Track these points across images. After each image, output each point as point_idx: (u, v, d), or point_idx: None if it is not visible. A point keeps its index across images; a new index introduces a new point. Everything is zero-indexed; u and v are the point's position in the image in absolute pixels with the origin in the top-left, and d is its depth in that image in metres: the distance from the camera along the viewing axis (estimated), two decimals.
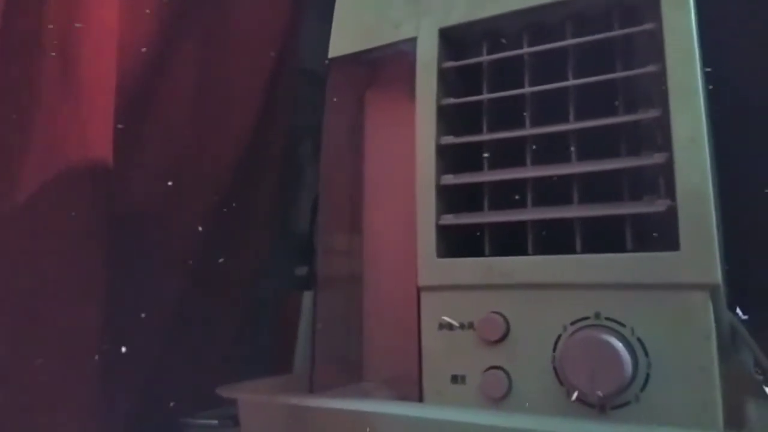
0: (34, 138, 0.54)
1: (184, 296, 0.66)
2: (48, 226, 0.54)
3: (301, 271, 0.77)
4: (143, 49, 0.62)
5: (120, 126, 0.59)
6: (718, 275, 0.38)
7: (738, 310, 0.68)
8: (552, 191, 0.44)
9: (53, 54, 0.56)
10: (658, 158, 0.40)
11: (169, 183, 0.63)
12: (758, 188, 0.60)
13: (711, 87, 0.44)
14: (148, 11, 0.63)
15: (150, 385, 0.64)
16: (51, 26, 0.56)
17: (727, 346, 0.48)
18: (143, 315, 0.60)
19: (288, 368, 0.70)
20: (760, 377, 0.58)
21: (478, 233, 0.46)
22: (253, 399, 0.45)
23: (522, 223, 0.44)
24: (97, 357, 0.56)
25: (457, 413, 0.40)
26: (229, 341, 0.75)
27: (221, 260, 0.67)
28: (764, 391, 0.47)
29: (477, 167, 0.47)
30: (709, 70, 0.45)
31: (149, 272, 0.62)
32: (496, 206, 0.46)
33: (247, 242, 0.76)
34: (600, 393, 0.39)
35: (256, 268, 0.78)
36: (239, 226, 0.74)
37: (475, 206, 0.47)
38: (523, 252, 0.44)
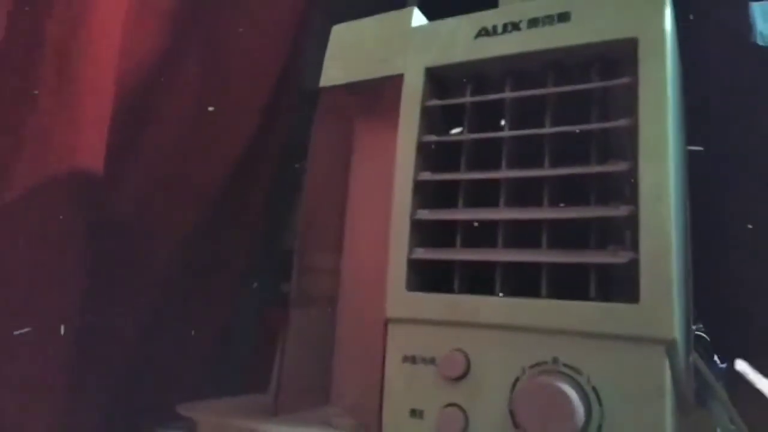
0: (25, 143, 0.55)
1: (163, 308, 0.67)
2: (29, 230, 0.55)
3: (287, 287, 0.78)
4: (144, 60, 0.63)
5: (114, 135, 0.60)
6: (675, 331, 0.38)
7: (716, 358, 0.68)
8: (524, 233, 0.45)
9: (52, 60, 0.57)
10: (623, 210, 0.41)
11: (157, 195, 0.64)
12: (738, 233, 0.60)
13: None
14: (151, 24, 0.65)
15: (121, 398, 0.64)
16: (52, 33, 0.57)
17: (687, 400, 0.48)
18: (119, 325, 0.61)
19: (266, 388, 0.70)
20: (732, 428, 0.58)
21: (449, 270, 0.47)
22: (209, 420, 0.45)
23: (491, 263, 0.45)
24: (69, 364, 0.56)
25: None
26: (208, 356, 0.75)
27: (204, 273, 0.68)
28: None
29: (455, 203, 0.48)
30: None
31: (129, 282, 0.63)
32: (469, 244, 0.47)
33: (232, 257, 0.76)
34: None
35: (240, 283, 0.78)
36: (225, 240, 0.74)
37: (449, 242, 0.47)
38: (491, 292, 0.44)
